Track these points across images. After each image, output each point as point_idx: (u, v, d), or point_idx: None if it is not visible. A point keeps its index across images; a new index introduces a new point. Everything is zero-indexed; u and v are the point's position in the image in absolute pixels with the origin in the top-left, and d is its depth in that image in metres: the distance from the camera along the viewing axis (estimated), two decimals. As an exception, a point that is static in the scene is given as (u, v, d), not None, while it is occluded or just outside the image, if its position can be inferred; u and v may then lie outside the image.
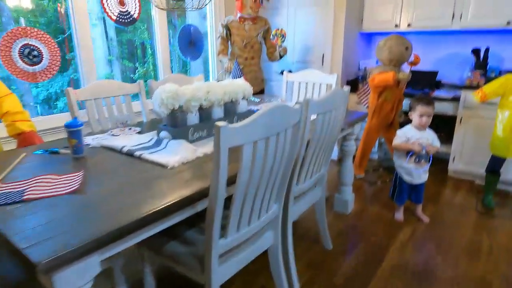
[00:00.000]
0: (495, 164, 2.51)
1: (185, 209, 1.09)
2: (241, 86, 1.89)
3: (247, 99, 1.93)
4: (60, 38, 2.70)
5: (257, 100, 2.09)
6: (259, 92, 3.31)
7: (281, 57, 3.16)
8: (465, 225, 2.30)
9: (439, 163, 3.18)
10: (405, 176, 2.26)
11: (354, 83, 3.52)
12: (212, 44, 3.65)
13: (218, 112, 1.77)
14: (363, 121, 2.31)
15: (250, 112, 1.90)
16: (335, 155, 2.98)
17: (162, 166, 1.30)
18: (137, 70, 3.84)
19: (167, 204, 1.01)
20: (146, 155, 1.40)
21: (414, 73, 3.40)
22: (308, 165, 1.63)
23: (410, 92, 3.15)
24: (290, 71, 3.52)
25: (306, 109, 1.34)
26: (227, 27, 3.11)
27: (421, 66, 3.42)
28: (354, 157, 2.71)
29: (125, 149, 1.48)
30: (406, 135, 2.22)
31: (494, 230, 2.25)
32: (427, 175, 2.28)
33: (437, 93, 3.12)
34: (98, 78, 2.76)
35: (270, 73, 3.72)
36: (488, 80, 2.89)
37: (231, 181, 1.07)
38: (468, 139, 2.92)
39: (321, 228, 2.02)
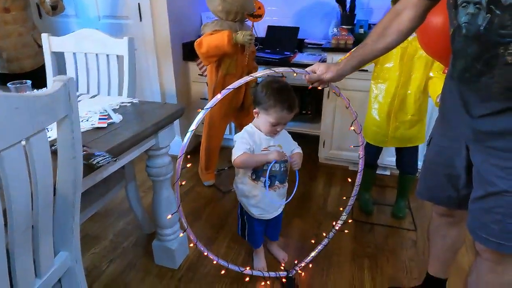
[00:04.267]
0: (369, 156, 1.87)
1: None
2: None
3: None
4: None
5: None
6: (38, 69, 1.99)
7: (53, 9, 1.86)
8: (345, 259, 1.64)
9: (307, 149, 2.49)
10: (254, 209, 1.38)
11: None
12: None
13: None
14: (174, 121, 1.33)
15: None
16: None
17: None
18: None
19: None
20: None
21: (269, 30, 2.56)
22: None
23: (266, 57, 2.30)
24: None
25: None
26: None
27: (279, 21, 2.58)
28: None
29: None
30: (251, 143, 1.29)
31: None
32: (284, 200, 1.41)
33: (299, 57, 2.35)
34: None
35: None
36: (357, 38, 2.21)
37: None
38: (338, 117, 2.26)
39: None
